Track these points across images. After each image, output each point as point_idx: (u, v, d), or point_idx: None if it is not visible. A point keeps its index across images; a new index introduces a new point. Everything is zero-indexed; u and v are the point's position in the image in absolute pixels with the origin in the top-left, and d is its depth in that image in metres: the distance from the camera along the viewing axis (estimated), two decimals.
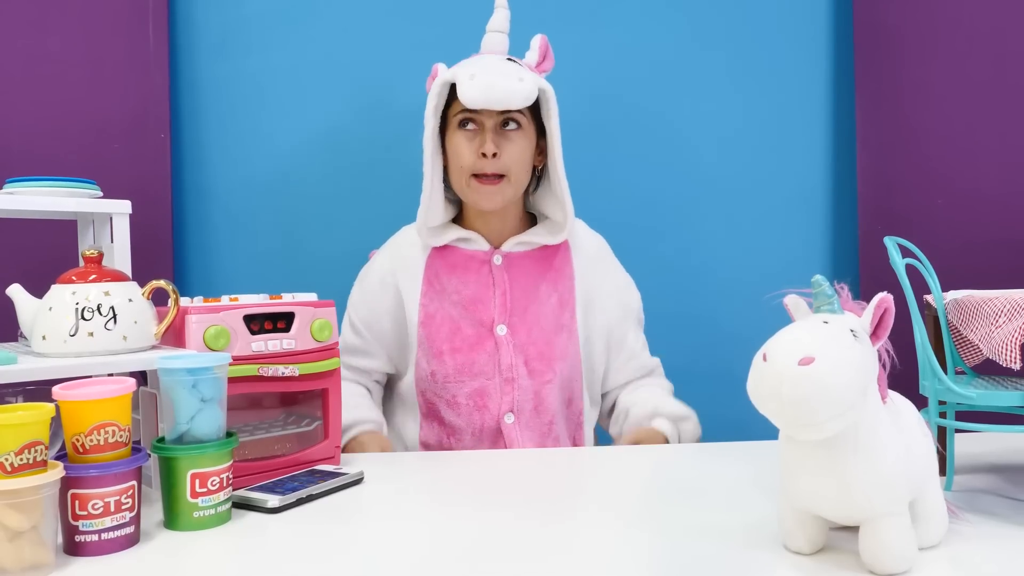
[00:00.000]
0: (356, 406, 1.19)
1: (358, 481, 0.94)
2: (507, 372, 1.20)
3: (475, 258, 1.25)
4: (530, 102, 1.15)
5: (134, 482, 0.74)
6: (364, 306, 1.27)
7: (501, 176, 1.19)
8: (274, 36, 1.56)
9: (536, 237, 1.26)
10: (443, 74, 1.19)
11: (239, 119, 1.56)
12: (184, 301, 0.92)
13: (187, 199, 1.56)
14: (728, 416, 1.30)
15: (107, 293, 0.85)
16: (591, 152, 1.48)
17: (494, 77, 1.15)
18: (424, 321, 1.23)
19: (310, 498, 0.87)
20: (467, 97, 1.13)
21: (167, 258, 1.49)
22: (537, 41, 1.26)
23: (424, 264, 1.25)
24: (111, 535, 0.72)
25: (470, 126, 1.20)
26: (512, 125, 1.20)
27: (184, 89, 1.55)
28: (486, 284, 1.23)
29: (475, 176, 1.19)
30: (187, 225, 1.57)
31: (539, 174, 1.28)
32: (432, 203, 1.22)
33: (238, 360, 0.90)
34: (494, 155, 1.17)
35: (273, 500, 0.83)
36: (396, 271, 1.26)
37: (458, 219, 1.30)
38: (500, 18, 1.25)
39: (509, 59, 1.22)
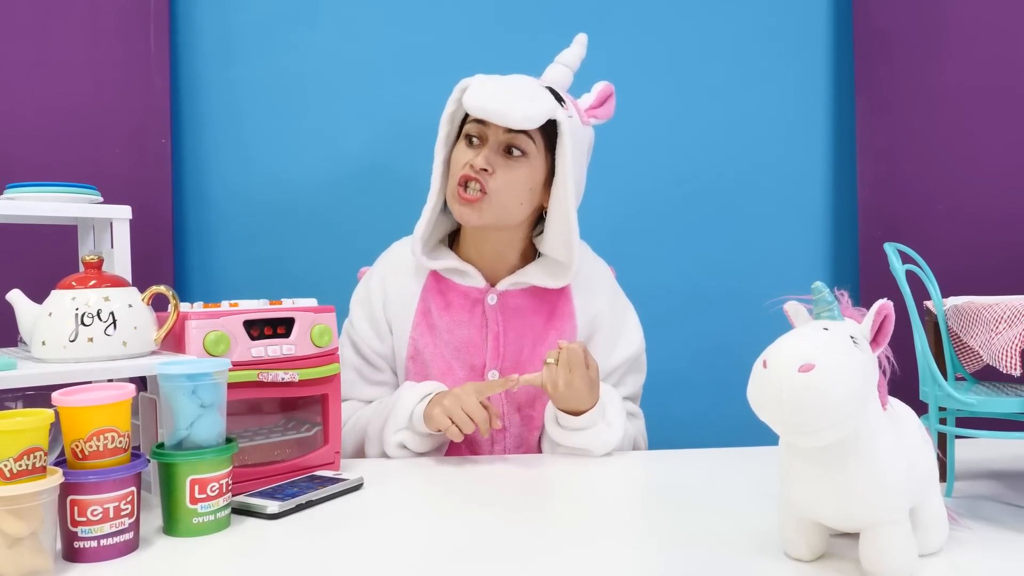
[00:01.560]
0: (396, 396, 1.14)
1: (358, 487, 0.94)
2: (493, 426, 1.11)
3: (469, 296, 1.19)
4: (531, 124, 1.08)
5: (133, 488, 0.74)
6: (375, 337, 1.21)
7: (484, 193, 1.11)
8: (275, 42, 1.56)
9: (531, 278, 1.18)
10: (466, 80, 1.14)
11: (240, 125, 1.56)
12: (184, 307, 0.92)
13: (188, 205, 1.56)
14: (727, 422, 1.30)
15: (107, 299, 0.85)
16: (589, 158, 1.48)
17: (503, 88, 1.09)
18: (413, 356, 1.18)
19: (310, 504, 0.87)
20: (468, 100, 1.07)
21: (167, 264, 1.49)
22: (599, 87, 1.20)
23: (419, 295, 1.20)
24: (110, 541, 0.72)
25: (475, 141, 1.14)
26: (516, 152, 1.12)
27: (185, 94, 1.55)
28: (479, 326, 1.18)
29: (460, 185, 1.12)
30: (187, 231, 1.57)
31: (544, 214, 1.20)
32: (429, 213, 1.17)
33: (238, 366, 0.90)
34: (484, 170, 1.10)
35: (273, 506, 0.83)
36: (388, 301, 1.21)
37: (456, 248, 1.23)
38: (572, 55, 1.20)
39: (549, 88, 1.14)
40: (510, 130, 1.11)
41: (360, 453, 1.17)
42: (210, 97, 1.56)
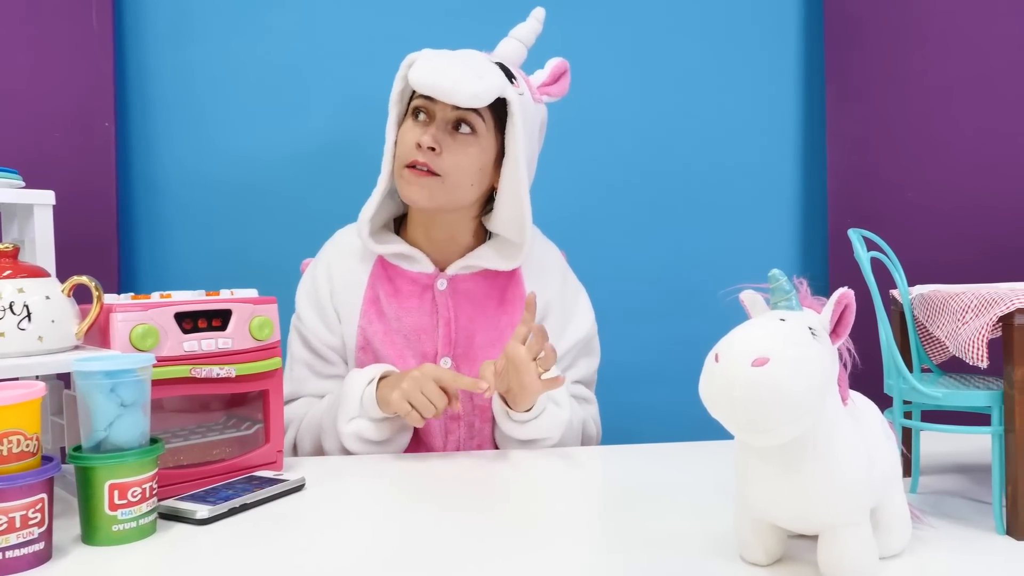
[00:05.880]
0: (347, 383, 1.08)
1: (299, 488, 0.89)
2: (452, 408, 1.08)
3: (418, 282, 1.15)
4: (479, 103, 1.03)
5: (44, 495, 0.68)
6: (324, 329, 1.16)
7: (435, 174, 1.08)
8: (228, 23, 1.50)
9: (483, 261, 1.14)
10: (412, 55, 1.09)
11: (191, 109, 1.50)
12: (110, 298, 0.86)
13: (136, 192, 1.50)
14: (697, 414, 1.26)
15: (21, 290, 0.79)
16: (556, 147, 1.44)
17: (450, 64, 1.04)
18: (363, 346, 1.13)
19: (244, 507, 0.81)
20: (414, 76, 1.03)
21: (112, 255, 1.42)
22: (553, 63, 1.16)
23: (366, 282, 1.15)
24: (17, 553, 0.66)
25: (422, 116, 1.10)
26: (465, 128, 1.08)
27: (132, 77, 1.48)
28: (429, 312, 1.14)
29: (408, 166, 1.08)
30: (136, 221, 1.50)
31: (494, 194, 1.16)
32: (379, 196, 1.13)
33: (167, 361, 0.85)
34: (431, 149, 1.06)
35: (202, 511, 0.78)
36: (335, 289, 1.16)
37: (403, 234, 1.19)
38: (527, 30, 1.15)
39: (499, 64, 1.09)
40: (459, 107, 1.06)
41: (319, 451, 1.11)
42: (161, 79, 1.49)
